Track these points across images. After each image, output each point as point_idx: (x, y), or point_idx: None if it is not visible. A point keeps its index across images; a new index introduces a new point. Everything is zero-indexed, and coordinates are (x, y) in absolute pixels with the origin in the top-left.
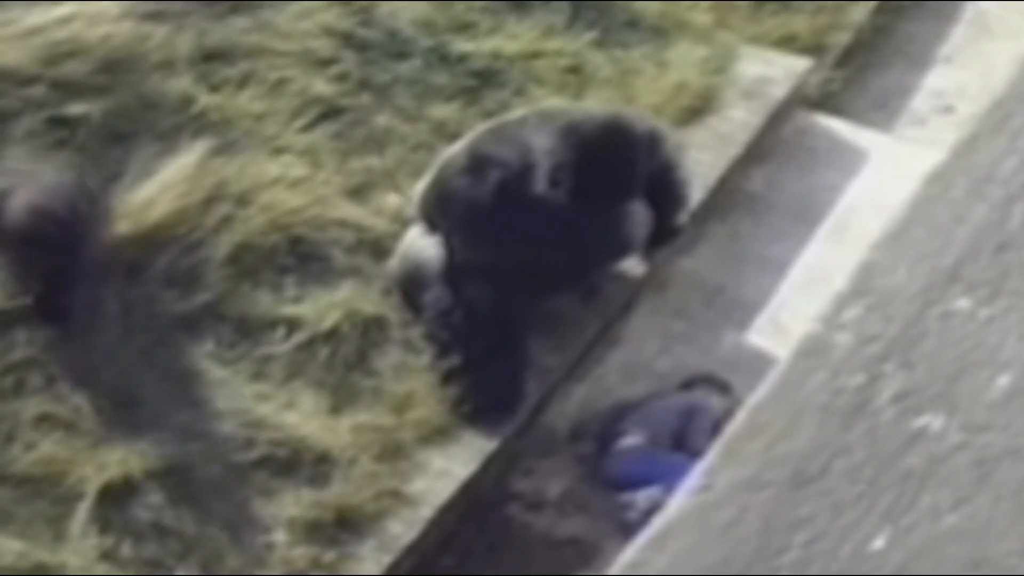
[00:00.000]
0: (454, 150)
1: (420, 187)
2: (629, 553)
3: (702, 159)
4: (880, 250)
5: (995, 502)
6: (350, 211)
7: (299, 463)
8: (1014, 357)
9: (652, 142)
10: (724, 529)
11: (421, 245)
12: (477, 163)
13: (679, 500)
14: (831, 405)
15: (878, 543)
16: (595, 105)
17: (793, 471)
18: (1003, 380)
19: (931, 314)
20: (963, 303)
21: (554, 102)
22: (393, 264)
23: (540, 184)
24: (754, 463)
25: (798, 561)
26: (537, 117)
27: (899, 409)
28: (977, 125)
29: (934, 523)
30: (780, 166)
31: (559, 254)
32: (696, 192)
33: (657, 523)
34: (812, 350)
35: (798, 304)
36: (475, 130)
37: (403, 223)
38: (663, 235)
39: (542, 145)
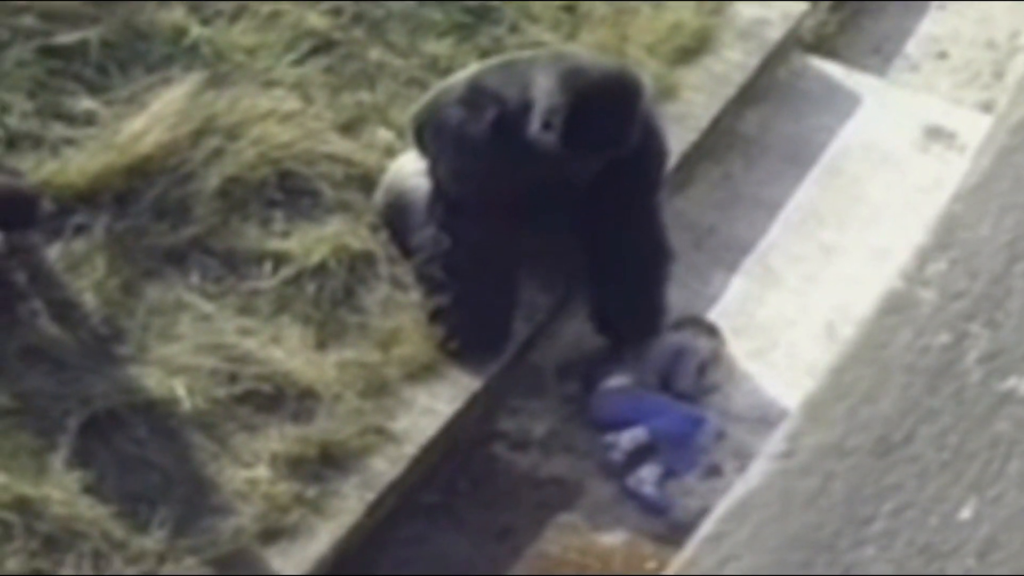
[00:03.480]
0: (456, 78)
1: (415, 109)
2: (709, 525)
3: (696, 100)
4: (963, 201)
5: None
6: (341, 146)
7: (283, 399)
8: None
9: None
10: (809, 498)
11: (407, 175)
12: (475, 95)
13: (760, 467)
14: (916, 366)
15: (965, 513)
16: (605, 56)
17: (878, 437)
18: None
19: (1018, 269)
20: None
21: (570, 46)
22: (378, 196)
23: (534, 125)
24: (838, 427)
25: (885, 532)
26: (548, 58)
27: (986, 370)
28: None
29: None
30: (774, 108)
31: (546, 196)
32: (689, 133)
33: (738, 492)
34: (896, 307)
35: (789, 246)
36: (485, 62)
37: (392, 155)
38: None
39: (542, 86)
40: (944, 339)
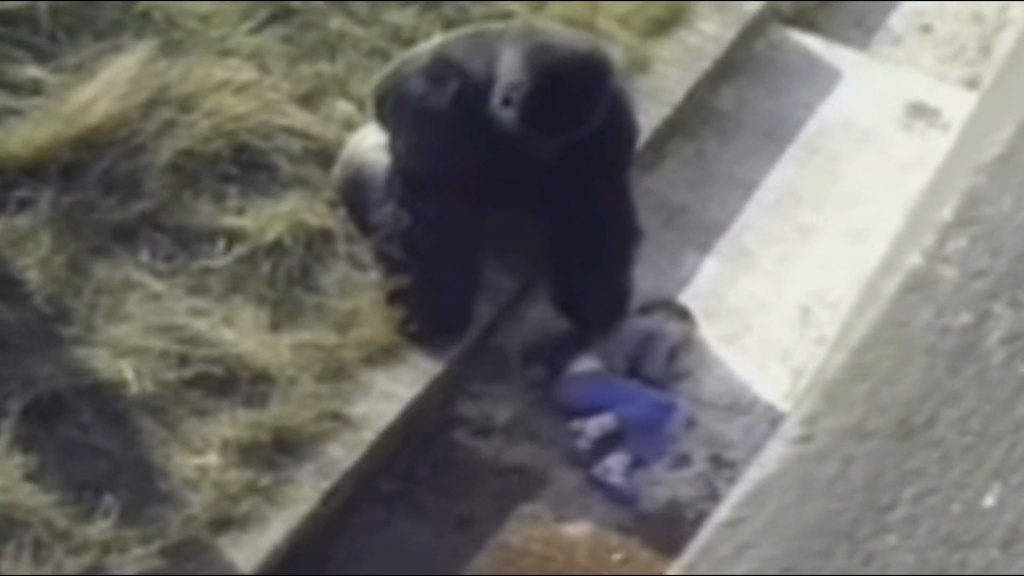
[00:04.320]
0: (420, 49)
1: (376, 80)
2: (725, 511)
3: (669, 73)
4: (985, 175)
5: None
6: (299, 118)
7: (236, 382)
8: None
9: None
10: (828, 484)
11: (366, 149)
12: (438, 67)
13: (777, 450)
14: (937, 347)
15: (989, 500)
16: (576, 30)
17: (899, 420)
18: None
19: None
20: None
21: (542, 20)
22: (336, 171)
23: (494, 100)
24: (858, 410)
25: (906, 519)
26: (517, 33)
27: (1009, 352)
28: None
29: None
30: (751, 83)
31: (510, 173)
32: (662, 108)
33: (754, 476)
34: (917, 285)
35: (764, 226)
36: (450, 33)
37: (352, 129)
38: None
39: (507, 61)
40: (965, 319)
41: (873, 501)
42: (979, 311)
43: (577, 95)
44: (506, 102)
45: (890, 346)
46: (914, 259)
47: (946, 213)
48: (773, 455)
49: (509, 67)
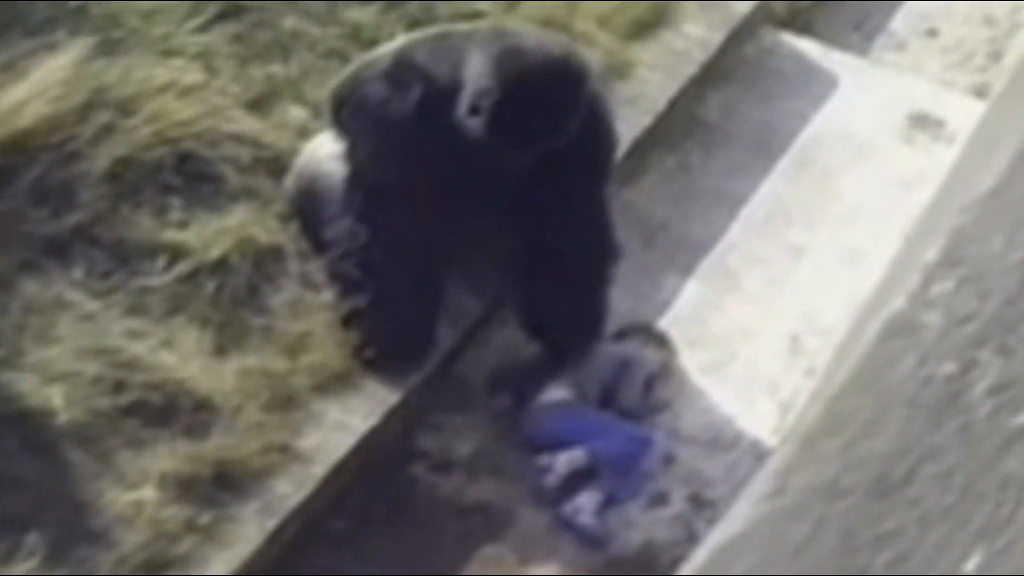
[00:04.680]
0: (382, 50)
1: (334, 84)
2: (689, 569)
3: (651, 79)
4: (973, 212)
5: None
6: (248, 125)
7: (175, 411)
8: None
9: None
10: (799, 545)
11: (322, 158)
12: (401, 70)
13: (746, 507)
14: (919, 397)
15: (971, 565)
16: (550, 34)
17: (876, 475)
18: None
19: None
20: None
21: (514, 21)
22: (288, 182)
23: (461, 108)
24: (833, 464)
25: None
26: (487, 35)
27: (996, 403)
28: None
29: None
30: (740, 90)
31: (477, 185)
32: (643, 116)
33: (721, 534)
34: (897, 331)
35: (751, 246)
36: (415, 34)
37: (306, 137)
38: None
39: (475, 66)
40: (950, 368)
41: (847, 565)
42: (965, 359)
43: (550, 104)
44: (473, 110)
45: (868, 396)
46: (897, 302)
47: (931, 253)
48: (741, 512)
49: (477, 72)
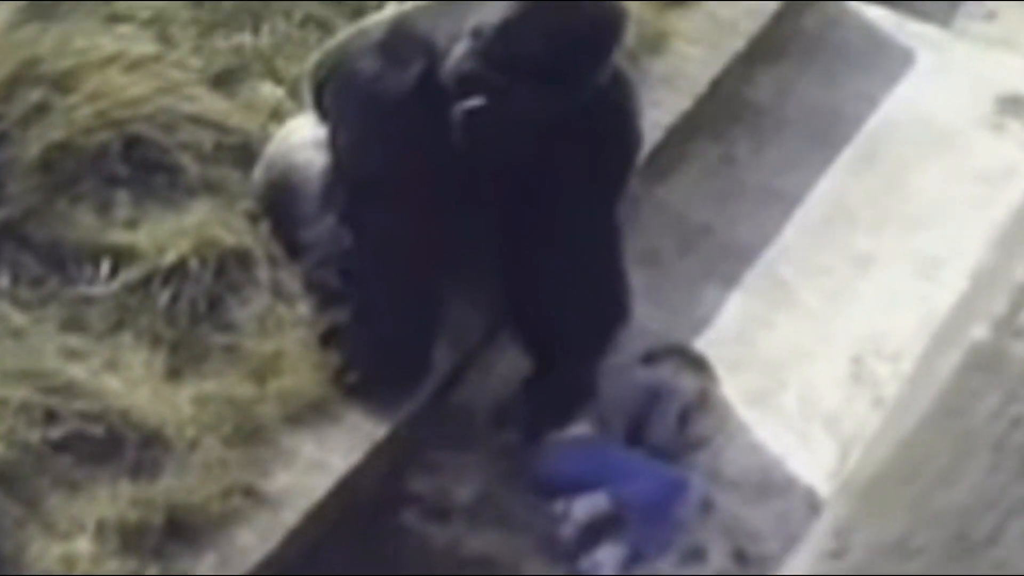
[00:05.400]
0: (374, 19)
1: (315, 58)
2: None
3: (691, 55)
4: None
5: None
6: (211, 105)
7: (119, 445)
8: None
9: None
10: None
11: (298, 146)
12: (397, 42)
13: (801, 568)
14: (1005, 441)
15: None
16: None
17: (955, 533)
18: None
19: None
20: None
21: None
22: (258, 174)
23: (457, 48)
24: (903, 520)
25: None
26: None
27: None
28: None
29: None
30: (797, 68)
31: (481, 181)
32: (680, 99)
33: None
34: (981, 363)
35: (808, 254)
36: None
37: (280, 121)
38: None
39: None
40: None
41: None
42: None
43: (571, 39)
44: (475, 35)
45: (945, 438)
46: (980, 329)
47: (1020, 272)
48: (797, 571)
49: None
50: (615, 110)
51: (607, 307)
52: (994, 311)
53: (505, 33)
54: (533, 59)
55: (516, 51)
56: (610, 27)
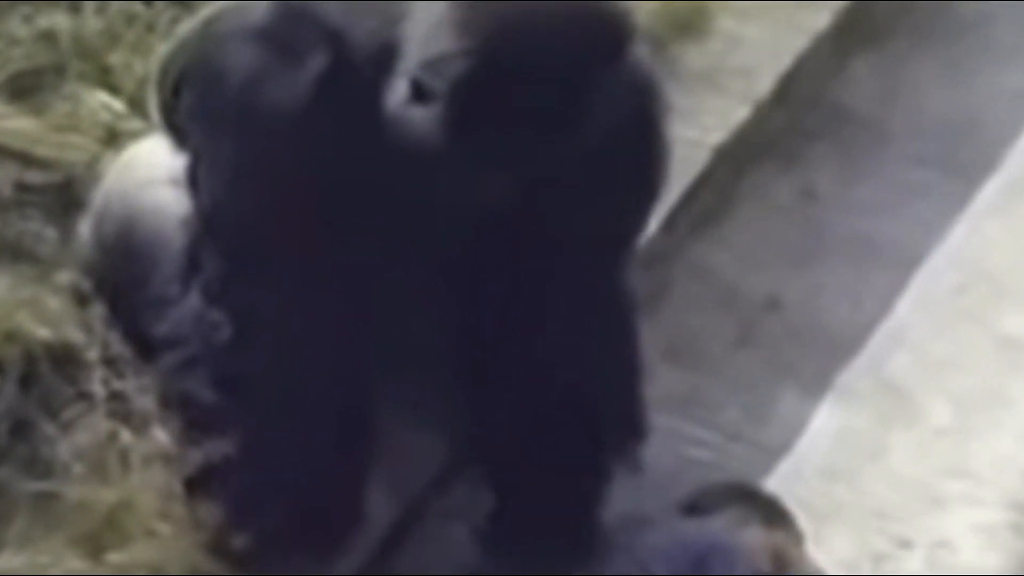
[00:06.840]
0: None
1: (163, 53)
2: None
3: (748, 39)
4: None
5: None
6: (7, 124)
7: None
8: None
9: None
10: None
11: (145, 183)
12: (286, 26)
13: None
14: None
15: None
16: None
17: None
18: None
19: None
20: None
21: None
22: (87, 230)
23: (398, 92)
24: None
25: None
26: None
27: None
28: None
29: None
30: (909, 57)
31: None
32: (733, 107)
33: None
34: None
35: (931, 342)
36: None
37: (117, 147)
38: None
39: (429, 14)
40: None
41: None
42: None
43: (555, 84)
44: (418, 95)
45: None
46: None
47: None
48: None
49: (432, 27)
50: (630, 125)
51: (615, 423)
52: None
53: (472, 91)
54: (524, 133)
55: (489, 120)
56: (623, 36)
